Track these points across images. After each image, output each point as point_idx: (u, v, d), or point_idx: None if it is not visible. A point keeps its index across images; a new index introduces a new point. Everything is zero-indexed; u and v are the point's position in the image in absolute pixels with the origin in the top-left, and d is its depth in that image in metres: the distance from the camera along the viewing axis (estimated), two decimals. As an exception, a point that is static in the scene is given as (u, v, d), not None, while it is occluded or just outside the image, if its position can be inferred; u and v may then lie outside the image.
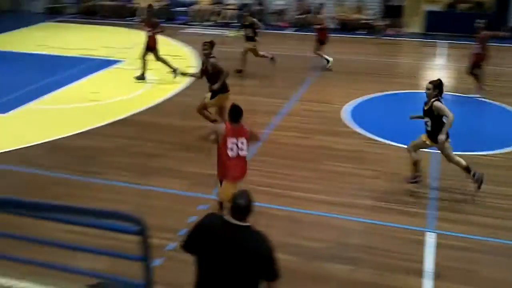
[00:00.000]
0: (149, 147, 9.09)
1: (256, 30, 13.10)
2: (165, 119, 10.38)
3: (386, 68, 14.77)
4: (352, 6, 18.60)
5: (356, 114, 10.70)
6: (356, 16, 18.49)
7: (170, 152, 8.95)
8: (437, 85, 7.37)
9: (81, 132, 9.70)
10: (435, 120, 7.32)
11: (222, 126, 6.28)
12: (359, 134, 9.76)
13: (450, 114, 7.14)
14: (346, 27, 18.68)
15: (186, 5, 19.96)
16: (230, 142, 6.06)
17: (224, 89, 9.23)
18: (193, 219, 5.54)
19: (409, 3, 18.49)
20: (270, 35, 18.26)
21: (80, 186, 7.79)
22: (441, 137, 7.19)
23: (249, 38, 13.13)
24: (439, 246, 6.37)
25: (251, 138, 6.33)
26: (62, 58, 15.01)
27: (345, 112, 10.73)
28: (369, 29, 18.25)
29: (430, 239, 6.51)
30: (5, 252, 3.80)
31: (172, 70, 12.27)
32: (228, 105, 6.87)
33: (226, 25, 18.79)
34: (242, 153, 6.14)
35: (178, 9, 19.98)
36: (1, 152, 8.83)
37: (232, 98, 11.61)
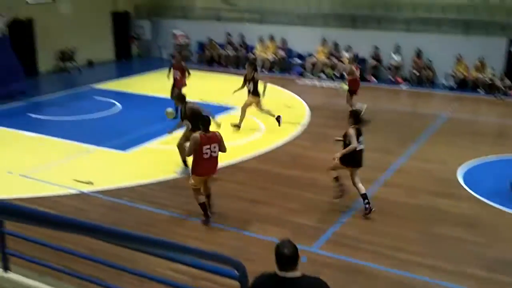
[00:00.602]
0: (255, 194, 9.24)
1: (257, 84, 12.51)
2: (274, 167, 10.52)
3: (507, 130, 13.97)
4: (473, 64, 17.93)
5: (471, 176, 10.15)
6: (477, 74, 17.80)
7: (274, 200, 9.03)
8: (351, 114, 8.38)
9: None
10: (346, 145, 8.26)
11: (197, 137, 7.78)
12: (473, 197, 9.22)
13: (354, 145, 8.12)
14: (466, 84, 18.03)
15: (303, 57, 20.40)
16: (205, 148, 7.74)
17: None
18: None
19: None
20: (384, 90, 18.12)
21: (182, 225, 8.12)
22: (336, 155, 8.33)
23: (253, 92, 12.62)
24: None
25: (222, 143, 8.02)
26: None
27: (459, 174, 10.23)
28: (490, 88, 17.45)
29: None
30: (109, 281, 4.01)
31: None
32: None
33: (341, 78, 18.93)
34: (214, 154, 7.88)
35: (294, 60, 20.45)
36: (120, 188, 9.44)
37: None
